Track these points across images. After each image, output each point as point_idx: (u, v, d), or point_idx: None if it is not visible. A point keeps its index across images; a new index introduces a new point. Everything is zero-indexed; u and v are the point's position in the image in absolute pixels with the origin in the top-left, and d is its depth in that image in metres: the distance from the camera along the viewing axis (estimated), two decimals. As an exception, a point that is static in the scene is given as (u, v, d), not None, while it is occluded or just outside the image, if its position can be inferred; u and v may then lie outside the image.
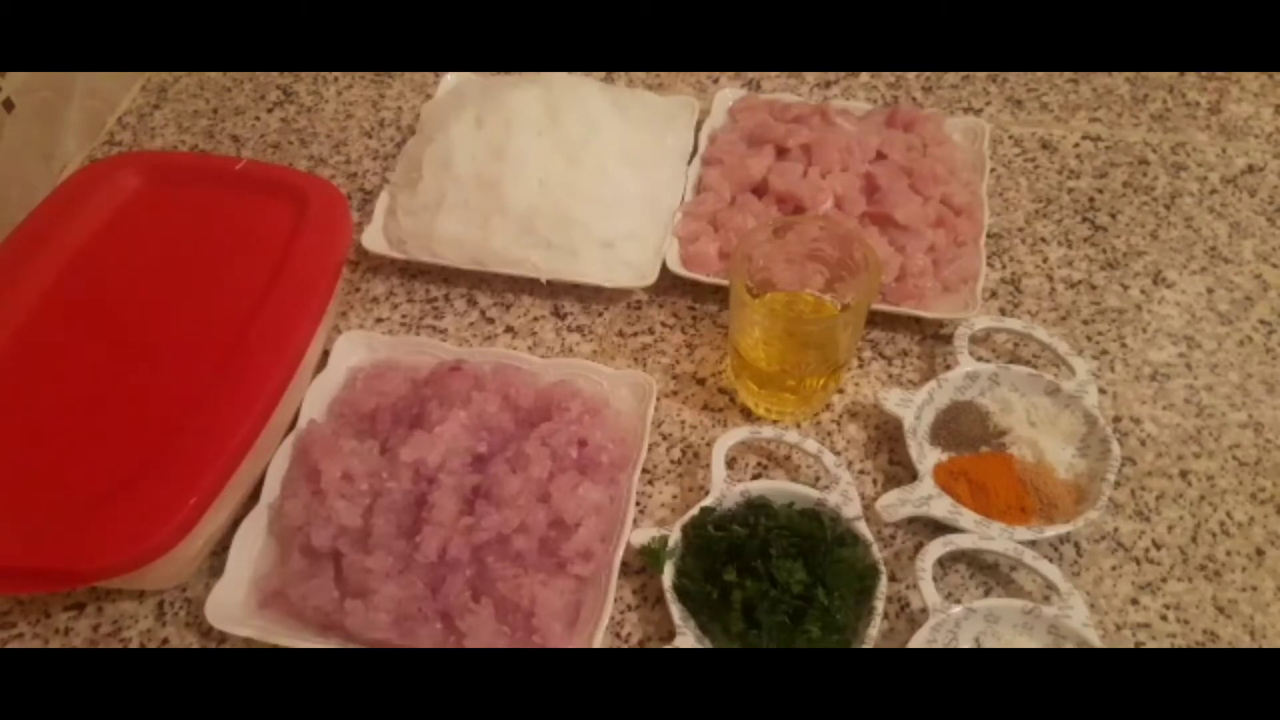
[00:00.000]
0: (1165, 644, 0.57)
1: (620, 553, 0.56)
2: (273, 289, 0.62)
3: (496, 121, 0.72)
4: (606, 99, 0.77)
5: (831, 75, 0.88)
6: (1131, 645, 0.57)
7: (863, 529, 0.57)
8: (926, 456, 0.62)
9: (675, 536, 0.57)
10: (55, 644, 0.57)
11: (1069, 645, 0.54)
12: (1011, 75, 0.89)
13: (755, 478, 0.63)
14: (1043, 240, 0.76)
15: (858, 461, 0.64)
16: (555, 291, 0.73)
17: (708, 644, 0.54)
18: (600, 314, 0.72)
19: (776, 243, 0.62)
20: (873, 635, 0.54)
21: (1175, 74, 0.88)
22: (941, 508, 0.58)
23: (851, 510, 0.58)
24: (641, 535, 0.57)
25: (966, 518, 0.58)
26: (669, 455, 0.65)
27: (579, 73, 0.79)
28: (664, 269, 0.71)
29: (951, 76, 0.89)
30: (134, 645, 0.57)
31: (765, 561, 0.54)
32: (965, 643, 0.55)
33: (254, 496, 0.60)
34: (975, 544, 0.57)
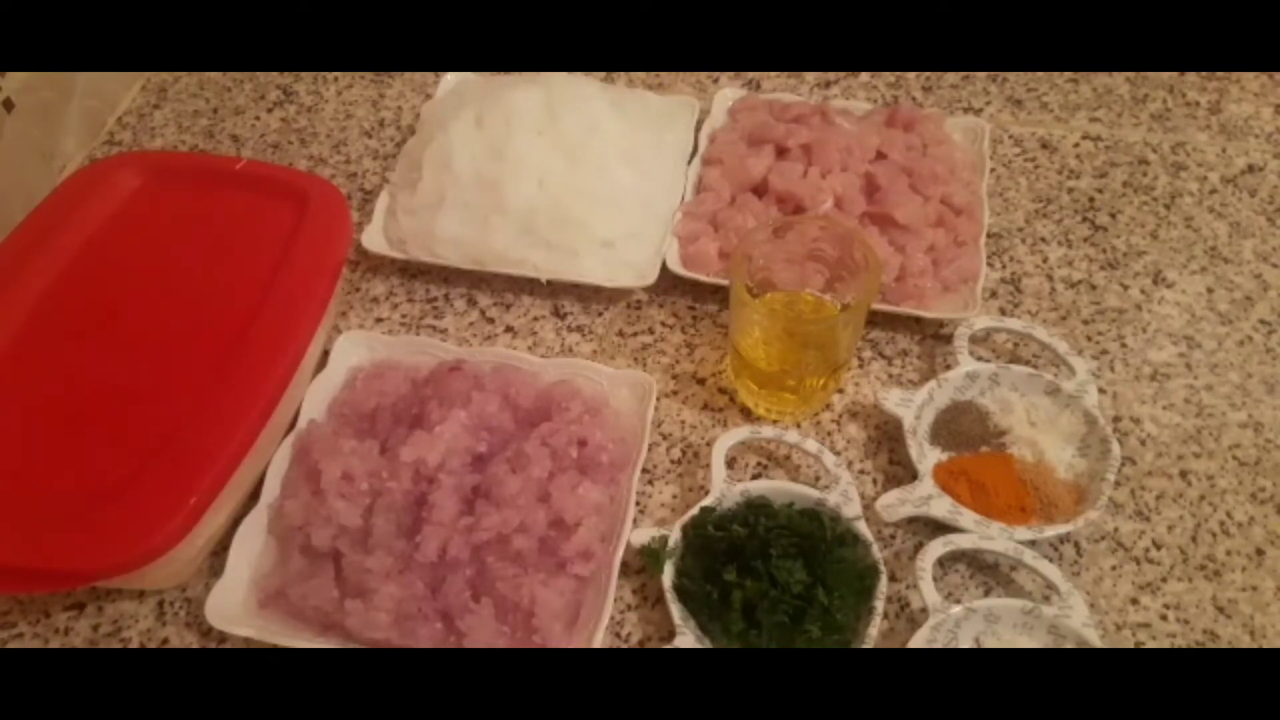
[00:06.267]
0: (1165, 644, 0.57)
1: (620, 553, 0.56)
2: (273, 289, 0.62)
3: (496, 121, 0.72)
4: (606, 99, 0.77)
5: (831, 75, 0.88)
6: (1131, 645, 0.57)
7: (863, 529, 0.57)
8: (926, 456, 0.62)
9: (675, 536, 0.57)
10: (55, 644, 0.57)
11: (1069, 645, 0.54)
12: (1011, 75, 0.89)
13: (755, 478, 0.63)
14: (1043, 240, 0.76)
15: (858, 461, 0.64)
16: (555, 291, 0.73)
17: (708, 644, 0.54)
18: (600, 314, 0.72)
19: (776, 243, 0.62)
20: (873, 635, 0.54)
21: (1175, 74, 0.88)
22: (941, 508, 0.58)
23: (851, 510, 0.58)
24: (641, 535, 0.57)
25: (966, 518, 0.58)
26: (669, 455, 0.65)
27: (579, 73, 0.79)
28: (664, 269, 0.71)
29: (951, 76, 0.89)
30: (134, 645, 0.57)
31: (765, 561, 0.54)
32: (965, 643, 0.55)
33: (254, 496, 0.60)
34: (975, 544, 0.57)
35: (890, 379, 0.68)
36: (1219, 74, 0.88)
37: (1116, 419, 0.66)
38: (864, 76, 0.88)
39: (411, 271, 0.75)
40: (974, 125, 0.79)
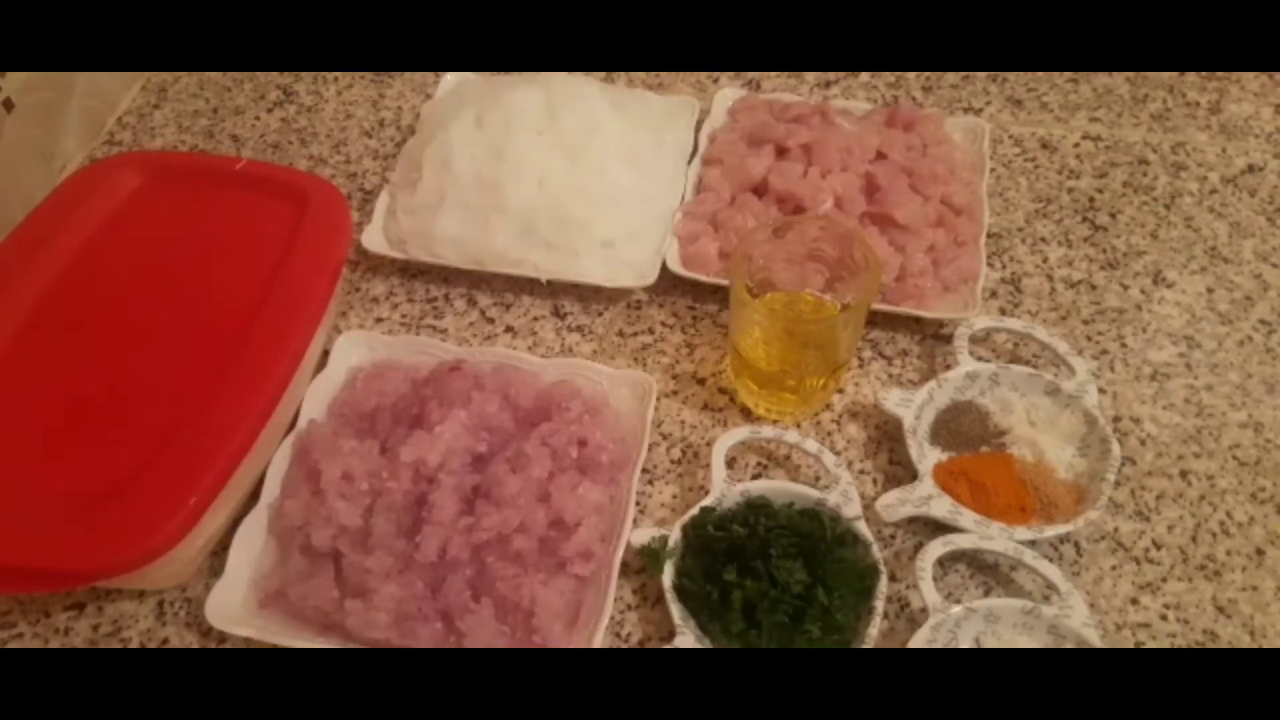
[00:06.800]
0: (1165, 644, 0.57)
1: (620, 553, 0.56)
2: (273, 289, 0.62)
3: (496, 121, 0.72)
4: (606, 99, 0.77)
5: (831, 75, 0.88)
6: (1131, 645, 0.57)
7: (863, 529, 0.57)
8: (926, 456, 0.62)
9: (675, 536, 0.57)
10: (55, 644, 0.57)
11: (1069, 645, 0.54)
12: (1011, 75, 0.89)
13: (755, 478, 0.63)
14: (1043, 240, 0.76)
15: (858, 461, 0.64)
16: (555, 291, 0.73)
17: (708, 644, 0.54)
18: (600, 314, 0.72)
19: (776, 243, 0.62)
20: (873, 635, 0.54)
21: (1175, 74, 0.88)
22: (941, 508, 0.58)
23: (851, 510, 0.58)
24: (641, 535, 0.57)
25: (966, 517, 0.58)
26: (669, 455, 0.65)
27: (579, 73, 0.79)
28: (664, 269, 0.71)
29: (951, 76, 0.89)
30: (134, 645, 0.57)
31: (765, 561, 0.54)
32: (965, 643, 0.55)
33: (254, 496, 0.60)
34: (975, 544, 0.57)
35: (890, 379, 0.68)
36: (1219, 74, 0.88)
37: (1116, 419, 0.66)
38: (864, 76, 0.88)
39: (411, 271, 0.75)
40: (974, 125, 0.79)
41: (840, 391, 0.67)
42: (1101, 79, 0.88)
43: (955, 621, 0.55)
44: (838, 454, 0.64)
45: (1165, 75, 0.88)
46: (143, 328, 0.62)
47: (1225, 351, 0.70)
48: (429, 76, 0.89)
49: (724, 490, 0.59)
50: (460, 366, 0.63)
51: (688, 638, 0.54)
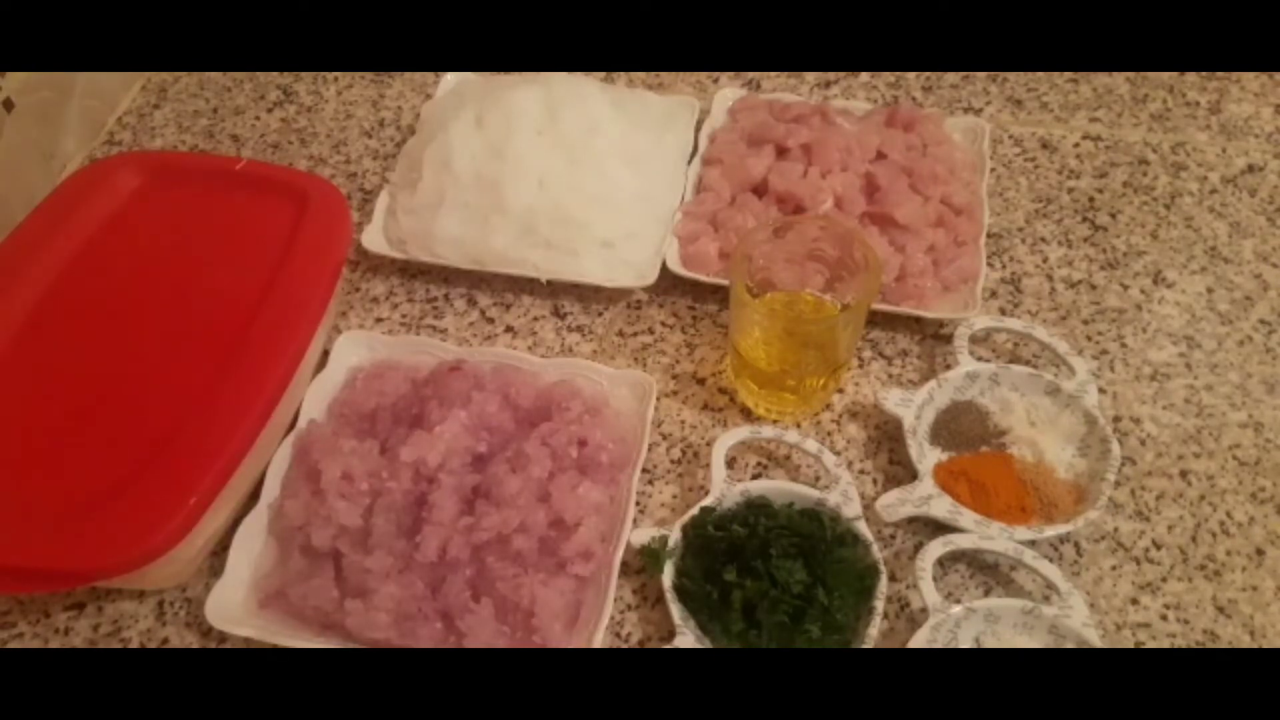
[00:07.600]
0: (1165, 644, 0.57)
1: (620, 553, 0.56)
2: (273, 289, 0.62)
3: (496, 121, 0.72)
4: (606, 99, 0.77)
5: (831, 75, 0.88)
6: (1131, 645, 0.57)
7: (863, 529, 0.57)
8: (926, 456, 0.62)
9: (675, 536, 0.57)
10: (55, 644, 0.57)
11: (1069, 645, 0.54)
12: (1011, 75, 0.89)
13: (755, 478, 0.63)
14: (1043, 240, 0.76)
15: (858, 461, 0.64)
16: (555, 291, 0.73)
17: (708, 644, 0.54)
18: (600, 314, 0.72)
19: (776, 243, 0.62)
20: (873, 635, 0.54)
21: (1175, 74, 0.88)
22: (941, 507, 0.58)
23: (851, 510, 0.58)
24: (641, 535, 0.57)
25: (966, 517, 0.58)
26: (669, 455, 0.65)
27: (579, 73, 0.79)
28: (664, 269, 0.71)
29: (951, 76, 0.89)
30: (134, 645, 0.57)
31: (765, 561, 0.54)
32: (965, 643, 0.55)
33: (254, 496, 0.60)
34: (975, 544, 0.57)
35: (890, 379, 0.68)
36: (1219, 74, 0.88)
37: (1116, 419, 0.66)
38: (864, 76, 0.88)
39: (411, 271, 0.75)
40: (974, 125, 0.79)
41: (840, 391, 0.67)
42: (1101, 79, 0.88)
43: (955, 621, 0.55)
44: (838, 454, 0.64)
45: (1165, 75, 0.88)
46: (143, 327, 0.62)
47: (1225, 351, 0.70)
48: (429, 76, 0.89)
49: (724, 490, 0.59)
50: (460, 366, 0.63)
51: (688, 638, 0.54)
